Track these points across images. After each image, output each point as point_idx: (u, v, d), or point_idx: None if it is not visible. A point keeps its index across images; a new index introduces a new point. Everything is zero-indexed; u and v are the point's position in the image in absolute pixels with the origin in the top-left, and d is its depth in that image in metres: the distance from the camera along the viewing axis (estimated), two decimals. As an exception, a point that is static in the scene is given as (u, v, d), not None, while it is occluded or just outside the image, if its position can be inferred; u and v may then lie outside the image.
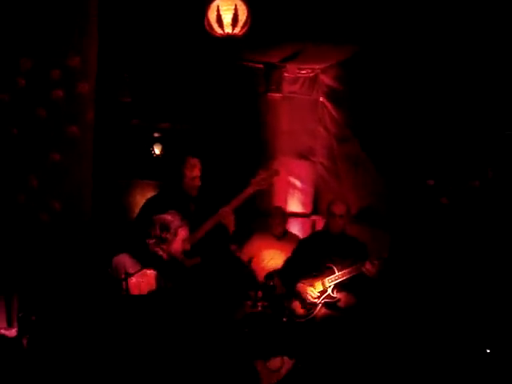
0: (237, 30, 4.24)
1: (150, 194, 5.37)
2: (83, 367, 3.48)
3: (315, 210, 6.86)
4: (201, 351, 3.65)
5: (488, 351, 4.50)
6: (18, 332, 3.49)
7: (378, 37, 5.58)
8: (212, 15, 4.22)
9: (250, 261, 5.80)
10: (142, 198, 5.56)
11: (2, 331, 3.52)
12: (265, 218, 6.05)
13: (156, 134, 6.73)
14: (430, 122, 5.69)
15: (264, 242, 5.87)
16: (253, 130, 6.63)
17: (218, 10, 4.17)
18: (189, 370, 3.47)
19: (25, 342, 3.46)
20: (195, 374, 3.51)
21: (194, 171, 4.63)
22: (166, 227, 3.73)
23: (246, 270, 5.67)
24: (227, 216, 4.56)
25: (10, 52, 4.15)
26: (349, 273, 4.80)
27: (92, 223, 4.36)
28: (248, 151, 6.46)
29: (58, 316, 3.72)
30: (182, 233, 3.80)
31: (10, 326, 3.58)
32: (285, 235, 5.91)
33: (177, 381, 3.41)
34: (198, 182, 4.66)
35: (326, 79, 6.70)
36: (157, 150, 6.72)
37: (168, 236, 3.72)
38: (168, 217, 3.77)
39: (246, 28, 4.27)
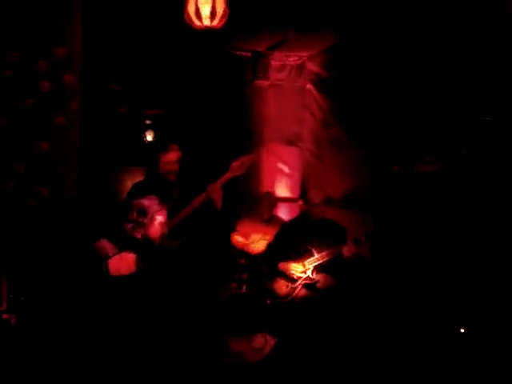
0: (215, 23, 4.36)
1: (139, 179, 5.50)
2: (69, 344, 3.67)
3: (303, 195, 6.99)
4: (179, 329, 3.82)
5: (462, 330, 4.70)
6: (7, 311, 3.68)
7: (361, 24, 5.70)
8: (191, 8, 4.33)
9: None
10: (131, 183, 5.71)
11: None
12: (253, 202, 6.23)
13: (148, 121, 6.87)
14: (411, 107, 5.85)
15: (252, 226, 6.04)
16: (241, 117, 6.76)
17: (197, 3, 4.27)
18: (165, 347, 3.64)
19: (13, 320, 3.66)
20: (171, 352, 3.67)
21: (167, 156, 4.66)
22: (143, 212, 3.76)
23: (233, 251, 5.85)
24: (215, 191, 4.60)
25: (-3, 45, 4.34)
26: (327, 255, 4.99)
27: (78, 208, 4.55)
28: (236, 138, 6.58)
29: (45, 296, 3.91)
30: (160, 217, 3.83)
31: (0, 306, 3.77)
32: (271, 219, 6.09)
33: (154, 358, 3.58)
34: (172, 167, 4.65)
35: (313, 66, 6.82)
36: (149, 137, 6.85)
37: (145, 221, 3.75)
38: (145, 201, 3.81)
39: (224, 20, 4.38)
